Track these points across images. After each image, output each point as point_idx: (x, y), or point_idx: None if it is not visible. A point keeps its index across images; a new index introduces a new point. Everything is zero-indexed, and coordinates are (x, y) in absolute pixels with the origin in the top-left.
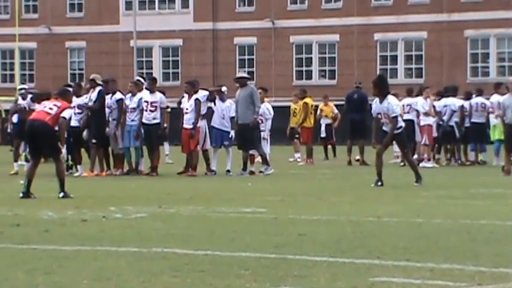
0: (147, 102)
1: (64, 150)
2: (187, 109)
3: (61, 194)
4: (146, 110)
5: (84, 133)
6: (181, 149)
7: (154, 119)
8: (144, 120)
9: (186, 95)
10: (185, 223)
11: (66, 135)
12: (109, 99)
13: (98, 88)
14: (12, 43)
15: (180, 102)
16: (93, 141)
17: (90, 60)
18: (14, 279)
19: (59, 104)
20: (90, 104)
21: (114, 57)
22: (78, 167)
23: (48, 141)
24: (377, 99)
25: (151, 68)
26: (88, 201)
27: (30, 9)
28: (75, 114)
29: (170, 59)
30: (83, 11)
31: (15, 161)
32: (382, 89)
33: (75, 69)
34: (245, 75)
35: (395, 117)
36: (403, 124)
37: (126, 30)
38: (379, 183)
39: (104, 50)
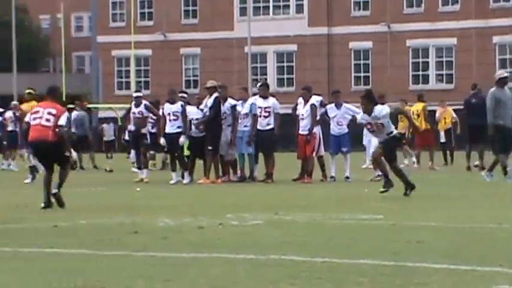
0: (260, 108)
1: (132, 155)
2: (303, 115)
3: (54, 191)
4: (260, 116)
5: (182, 138)
6: (297, 155)
7: (268, 124)
8: (258, 126)
9: (301, 101)
10: (302, 230)
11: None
12: (222, 106)
13: (214, 95)
14: (127, 50)
15: (295, 108)
16: (209, 148)
17: (205, 67)
18: (133, 286)
19: (53, 111)
20: (206, 110)
21: (229, 63)
22: (173, 174)
23: (57, 157)
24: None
25: (266, 74)
26: (204, 208)
27: (145, 16)
28: (170, 121)
29: (284, 64)
30: (197, 17)
31: (139, 168)
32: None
33: (189, 76)
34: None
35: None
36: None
37: (241, 36)
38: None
39: (218, 56)
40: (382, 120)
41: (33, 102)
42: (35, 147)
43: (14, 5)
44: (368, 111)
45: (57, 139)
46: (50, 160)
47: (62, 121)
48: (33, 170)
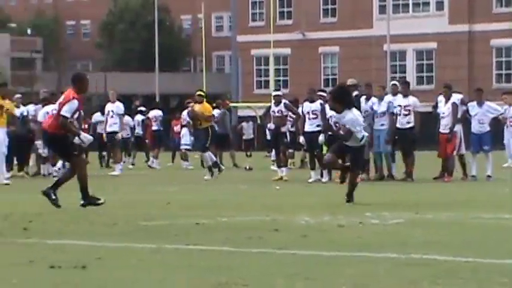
0: (400, 106)
1: (273, 153)
2: (444, 113)
3: (83, 202)
4: (400, 114)
5: (321, 137)
6: (437, 154)
7: (408, 123)
8: (397, 125)
9: (442, 99)
10: (443, 229)
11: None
12: (363, 104)
13: (354, 93)
14: (267, 50)
15: (435, 107)
16: None
17: (343, 65)
18: (274, 284)
19: (62, 100)
20: None
21: (367, 61)
22: (312, 172)
23: (60, 149)
24: None
25: (405, 72)
26: (343, 206)
27: (284, 15)
28: (309, 119)
29: (424, 62)
30: (336, 16)
31: (279, 166)
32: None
33: (328, 75)
34: None
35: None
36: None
37: (379, 34)
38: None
39: (357, 55)
40: (348, 126)
41: (206, 104)
42: (43, 137)
43: (157, 6)
44: (336, 110)
45: (58, 130)
46: (58, 153)
47: (64, 111)
48: (213, 166)
